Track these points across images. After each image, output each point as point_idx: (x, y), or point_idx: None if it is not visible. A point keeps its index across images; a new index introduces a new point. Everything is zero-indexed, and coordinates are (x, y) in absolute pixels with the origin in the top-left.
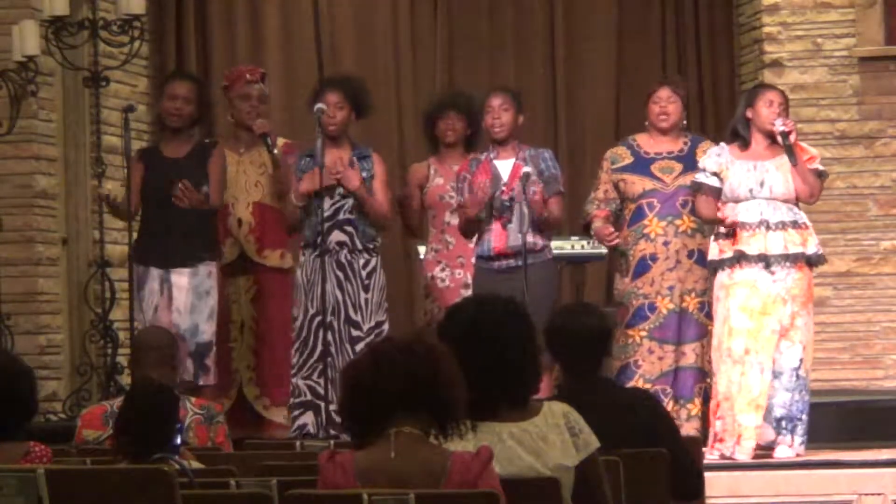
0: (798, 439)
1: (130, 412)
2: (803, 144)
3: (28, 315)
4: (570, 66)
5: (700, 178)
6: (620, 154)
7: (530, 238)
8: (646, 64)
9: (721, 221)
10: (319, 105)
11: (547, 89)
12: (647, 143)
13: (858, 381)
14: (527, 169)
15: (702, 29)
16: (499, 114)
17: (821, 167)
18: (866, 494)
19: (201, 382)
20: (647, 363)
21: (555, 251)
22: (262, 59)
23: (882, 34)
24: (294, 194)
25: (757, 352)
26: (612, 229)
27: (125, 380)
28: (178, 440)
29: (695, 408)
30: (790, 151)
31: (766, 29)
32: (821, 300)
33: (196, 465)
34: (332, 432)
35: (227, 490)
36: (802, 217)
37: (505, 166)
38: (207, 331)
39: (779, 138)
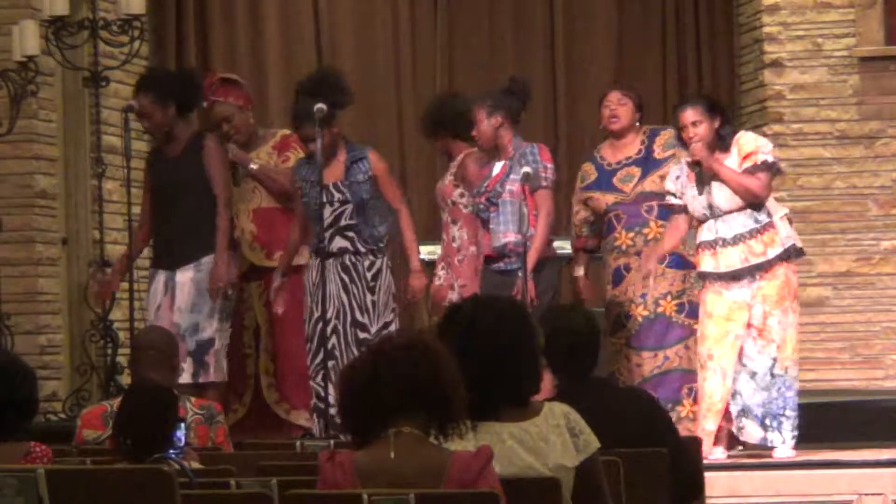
0: (788, 435)
1: (128, 413)
2: (742, 140)
3: (28, 315)
4: (570, 66)
5: (669, 199)
6: (587, 171)
7: (511, 238)
8: (646, 64)
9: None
10: (319, 105)
11: (547, 89)
12: (609, 152)
13: (858, 381)
14: (526, 169)
15: (702, 29)
16: (475, 129)
17: (761, 158)
18: (866, 494)
19: (201, 380)
20: (626, 371)
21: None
22: (262, 59)
23: (882, 34)
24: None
25: (719, 357)
26: (584, 289)
27: (125, 380)
28: (183, 440)
29: (684, 409)
30: (703, 178)
31: (766, 29)
32: (821, 300)
33: (196, 465)
34: (332, 433)
35: (227, 490)
36: (764, 219)
37: (497, 167)
38: (208, 328)
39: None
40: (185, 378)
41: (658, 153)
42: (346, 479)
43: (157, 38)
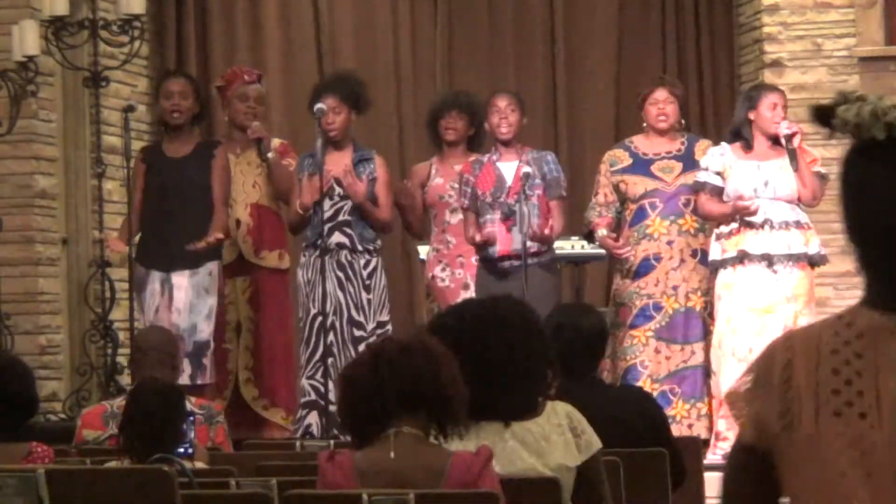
0: None
1: (137, 412)
2: (806, 147)
3: (28, 315)
4: (570, 66)
5: (702, 176)
6: (618, 156)
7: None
8: (646, 64)
9: (745, 210)
10: (320, 105)
11: (547, 90)
12: (645, 144)
13: None
14: (527, 169)
15: (702, 29)
16: (506, 113)
17: (823, 170)
18: None
19: (199, 381)
20: (654, 363)
21: (555, 251)
22: (262, 59)
23: (882, 34)
24: (298, 204)
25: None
26: (622, 243)
27: (125, 380)
28: (192, 435)
29: (705, 406)
30: (793, 155)
31: (766, 29)
32: (821, 300)
33: (201, 464)
34: (335, 432)
35: (227, 490)
36: (805, 218)
37: (509, 168)
38: (206, 329)
39: (783, 141)
40: (182, 379)
41: (698, 156)
42: (346, 480)
43: (157, 38)
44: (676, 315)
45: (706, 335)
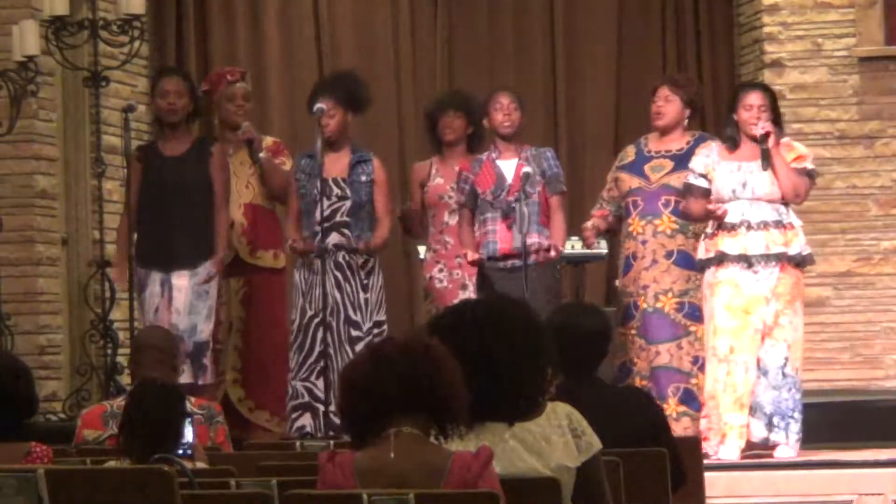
0: (793, 437)
1: (137, 413)
2: (794, 143)
3: (28, 315)
4: (570, 66)
5: (689, 179)
6: (627, 152)
7: (535, 238)
8: (646, 64)
9: (713, 213)
10: (319, 105)
11: (547, 90)
12: (654, 141)
13: (858, 381)
14: (527, 169)
15: (702, 29)
16: (509, 110)
17: (810, 166)
18: (866, 494)
19: (200, 382)
20: (640, 360)
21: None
22: (262, 59)
23: (882, 34)
24: (288, 244)
25: (741, 350)
26: (588, 232)
27: (125, 380)
28: (191, 437)
29: (669, 408)
30: (765, 155)
31: (767, 29)
32: (821, 300)
33: (201, 464)
34: (331, 433)
35: (227, 490)
36: (789, 217)
37: (508, 166)
38: (205, 330)
39: (759, 139)
40: (185, 379)
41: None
42: (346, 480)
43: (157, 38)
44: (646, 315)
45: (676, 337)
